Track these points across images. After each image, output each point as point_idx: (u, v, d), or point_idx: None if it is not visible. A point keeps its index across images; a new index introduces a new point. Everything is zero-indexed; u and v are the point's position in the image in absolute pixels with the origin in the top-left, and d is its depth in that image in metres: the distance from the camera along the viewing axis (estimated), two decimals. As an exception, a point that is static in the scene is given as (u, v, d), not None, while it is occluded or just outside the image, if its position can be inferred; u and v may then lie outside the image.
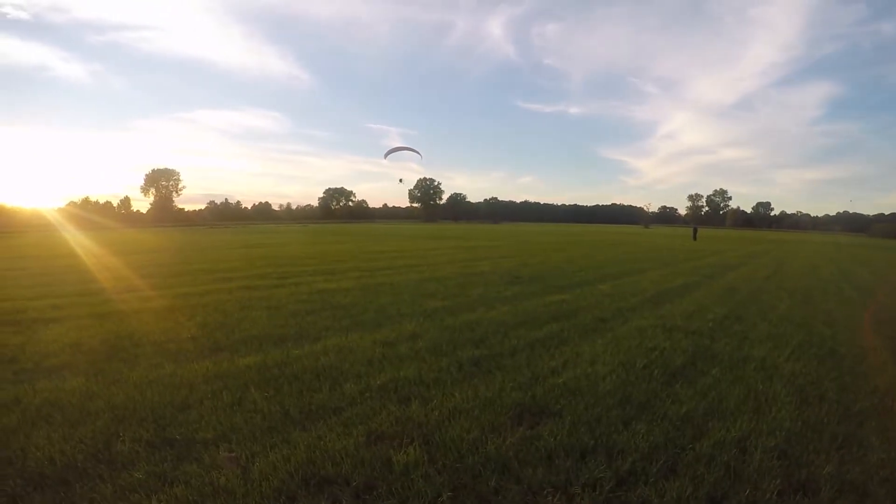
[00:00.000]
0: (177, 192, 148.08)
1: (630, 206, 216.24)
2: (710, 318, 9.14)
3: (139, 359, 6.32)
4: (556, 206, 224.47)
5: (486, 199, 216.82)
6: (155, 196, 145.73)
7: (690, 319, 9.01)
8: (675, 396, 5.16)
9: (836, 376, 6.08)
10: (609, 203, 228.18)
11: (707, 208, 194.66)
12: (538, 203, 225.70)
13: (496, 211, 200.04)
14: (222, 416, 4.49)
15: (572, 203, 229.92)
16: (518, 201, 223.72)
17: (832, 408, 5.04)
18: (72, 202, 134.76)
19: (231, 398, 4.92)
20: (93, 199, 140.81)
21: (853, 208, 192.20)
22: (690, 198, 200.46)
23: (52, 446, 3.93)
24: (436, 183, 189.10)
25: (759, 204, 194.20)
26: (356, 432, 4.20)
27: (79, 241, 35.55)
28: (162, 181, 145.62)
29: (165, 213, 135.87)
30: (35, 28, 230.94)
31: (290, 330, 7.77)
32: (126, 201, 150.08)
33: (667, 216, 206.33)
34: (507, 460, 3.78)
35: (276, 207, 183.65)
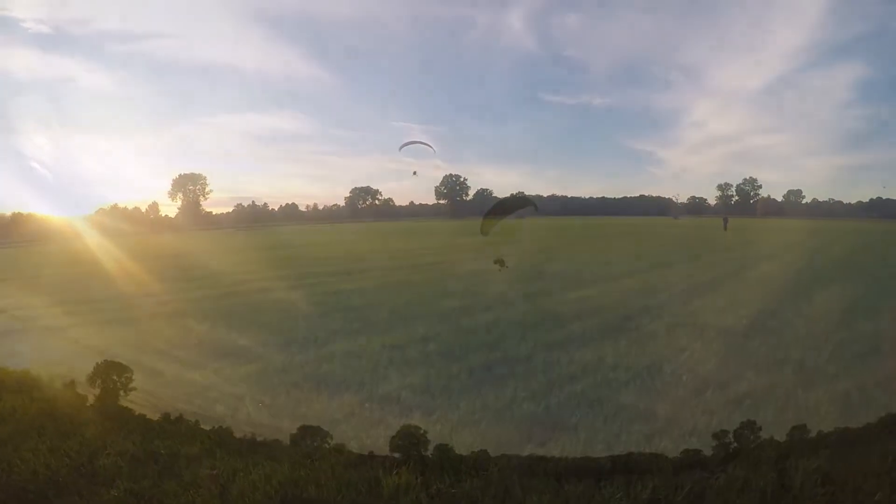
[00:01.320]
0: (204, 195, 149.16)
1: (658, 197, 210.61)
2: (743, 315, 8.55)
3: (140, 366, 6.12)
4: (584, 199, 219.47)
5: (512, 194, 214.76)
6: (182, 201, 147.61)
7: (722, 316, 8.47)
8: (706, 406, 4.71)
9: (881, 380, 5.53)
10: (637, 195, 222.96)
11: (737, 197, 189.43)
12: (565, 196, 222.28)
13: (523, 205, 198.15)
14: (211, 429, 4.24)
15: (600, 196, 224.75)
16: (545, 195, 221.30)
17: (879, 415, 4.53)
18: (101, 209, 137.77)
19: (225, 409, 4.68)
20: (121, 205, 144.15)
21: (887, 194, 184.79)
22: (720, 187, 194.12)
23: (37, 459, 3.70)
24: (462, 179, 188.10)
25: (790, 192, 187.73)
26: (346, 449, 3.89)
27: (105, 248, 35.95)
28: (189, 185, 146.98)
29: (193, 217, 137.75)
30: (57, 40, 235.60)
31: (297, 334, 7.51)
32: (154, 206, 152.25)
33: (696, 207, 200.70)
34: (510, 484, 3.41)
35: (302, 208, 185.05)
